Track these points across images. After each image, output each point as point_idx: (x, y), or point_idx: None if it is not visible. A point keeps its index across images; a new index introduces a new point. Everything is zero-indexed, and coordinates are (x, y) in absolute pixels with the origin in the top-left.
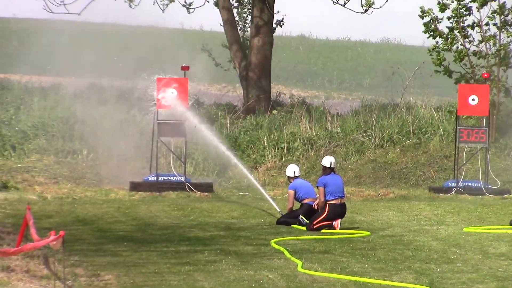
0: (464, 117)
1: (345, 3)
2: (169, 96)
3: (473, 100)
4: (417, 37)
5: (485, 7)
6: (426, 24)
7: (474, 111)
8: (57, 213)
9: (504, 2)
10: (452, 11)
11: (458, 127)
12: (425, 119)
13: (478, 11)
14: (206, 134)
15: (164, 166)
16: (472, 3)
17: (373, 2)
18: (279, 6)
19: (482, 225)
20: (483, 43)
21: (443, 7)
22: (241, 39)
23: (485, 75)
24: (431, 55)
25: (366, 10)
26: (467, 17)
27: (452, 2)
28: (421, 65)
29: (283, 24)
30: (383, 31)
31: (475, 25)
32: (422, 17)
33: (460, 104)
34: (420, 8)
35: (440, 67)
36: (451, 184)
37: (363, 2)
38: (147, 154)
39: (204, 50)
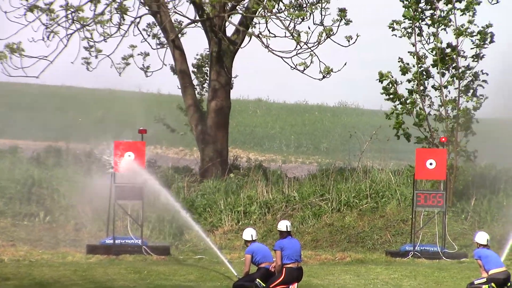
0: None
1: (304, 69)
2: (127, 159)
3: (430, 164)
4: (375, 101)
5: (446, 71)
6: (385, 88)
7: (432, 175)
8: (14, 275)
9: (465, 66)
10: (413, 75)
11: (415, 191)
12: (382, 183)
13: (438, 74)
14: (165, 197)
15: (121, 229)
16: (433, 67)
17: (332, 69)
18: (236, 70)
19: None
20: (442, 107)
21: (404, 70)
22: (199, 102)
23: (443, 139)
24: (389, 119)
25: (324, 77)
26: (428, 80)
27: (413, 66)
28: (378, 129)
29: (232, 87)
30: (340, 94)
31: (435, 88)
32: (381, 81)
33: (417, 168)
34: (379, 72)
35: (399, 131)
36: (408, 248)
37: (322, 69)
38: (104, 217)
39: (159, 120)
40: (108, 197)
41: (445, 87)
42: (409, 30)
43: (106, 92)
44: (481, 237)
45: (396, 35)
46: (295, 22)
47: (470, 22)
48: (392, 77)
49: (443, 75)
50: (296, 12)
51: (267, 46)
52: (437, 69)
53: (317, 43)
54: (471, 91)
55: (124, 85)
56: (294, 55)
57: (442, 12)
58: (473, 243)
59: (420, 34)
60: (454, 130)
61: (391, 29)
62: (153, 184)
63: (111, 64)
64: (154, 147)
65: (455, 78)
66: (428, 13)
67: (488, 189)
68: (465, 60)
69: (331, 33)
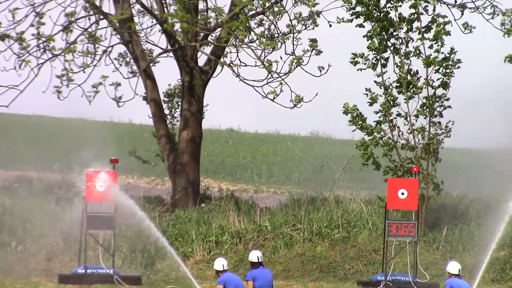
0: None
1: (274, 98)
2: (98, 189)
3: (402, 194)
4: (346, 131)
5: (413, 99)
6: (352, 120)
7: (404, 205)
8: None
9: (433, 93)
10: (381, 105)
11: (387, 221)
12: (354, 213)
13: (406, 102)
14: (143, 224)
15: (93, 258)
16: (400, 94)
17: (302, 98)
18: (208, 99)
19: None
20: (411, 136)
21: (371, 101)
22: (170, 132)
23: (415, 168)
24: (359, 149)
25: (295, 105)
26: (395, 109)
27: (381, 95)
28: (350, 158)
29: (203, 116)
30: (312, 124)
31: (403, 117)
32: (346, 113)
33: (389, 198)
34: (344, 105)
35: (367, 161)
36: (379, 277)
37: (293, 98)
38: (75, 246)
39: (131, 153)
40: (79, 227)
41: (416, 116)
42: (374, 62)
43: (78, 121)
44: (453, 266)
45: (361, 69)
46: (266, 52)
47: (437, 51)
48: (358, 110)
49: (410, 98)
50: (268, 41)
51: (238, 75)
52: (404, 97)
53: (288, 72)
54: (439, 118)
55: (96, 114)
56: (264, 84)
57: (403, 40)
58: (444, 272)
59: (384, 65)
60: (424, 159)
61: (353, 63)
62: (131, 206)
63: (82, 94)
64: (125, 176)
65: (424, 107)
66: (392, 42)
67: (459, 219)
68: (433, 89)
69: (301, 61)
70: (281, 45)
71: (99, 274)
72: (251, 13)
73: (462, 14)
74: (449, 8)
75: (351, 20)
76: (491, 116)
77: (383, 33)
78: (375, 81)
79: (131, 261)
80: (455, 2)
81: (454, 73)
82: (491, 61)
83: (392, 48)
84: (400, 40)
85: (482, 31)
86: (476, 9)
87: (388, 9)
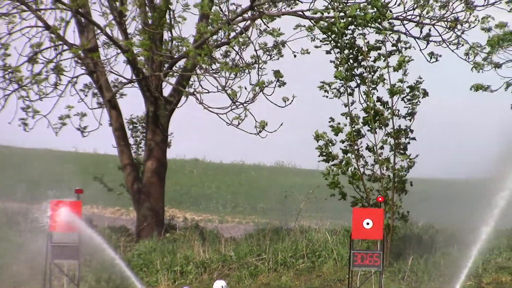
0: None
1: (238, 124)
2: (63, 219)
3: (367, 224)
4: (311, 161)
5: (379, 130)
6: (319, 148)
7: (369, 235)
8: None
9: (399, 126)
10: (346, 135)
11: (352, 251)
12: (319, 243)
13: (372, 133)
14: (108, 254)
15: None
16: (366, 125)
17: (267, 123)
18: (173, 128)
19: None
20: (377, 166)
21: (337, 130)
22: (135, 162)
23: (380, 199)
24: (326, 178)
25: (260, 131)
26: (362, 139)
27: (346, 125)
28: (315, 188)
29: (170, 145)
30: (277, 155)
31: (369, 149)
32: (317, 140)
33: (354, 227)
34: (315, 132)
35: (334, 189)
36: None
37: (257, 124)
38: (40, 276)
39: (96, 178)
40: (44, 256)
41: (381, 148)
42: (341, 90)
43: (43, 151)
44: None
45: (327, 96)
46: (230, 79)
47: (401, 81)
48: (328, 137)
49: (375, 129)
50: (231, 67)
51: (201, 102)
52: (369, 127)
53: (252, 99)
54: (403, 149)
55: (61, 145)
56: (229, 111)
57: (371, 69)
58: None
59: (351, 94)
60: (389, 189)
61: (323, 90)
62: (95, 237)
63: (48, 124)
64: (90, 206)
65: (389, 137)
66: (359, 71)
67: (425, 249)
68: (399, 118)
69: (264, 86)
70: (246, 75)
71: None
72: (216, 44)
73: (428, 44)
74: (415, 40)
75: (320, 46)
76: (457, 146)
77: (350, 61)
78: (341, 114)
79: None
80: (420, 33)
81: (420, 102)
82: (458, 91)
83: (359, 77)
84: (368, 69)
85: (448, 61)
86: (442, 42)
87: (356, 37)
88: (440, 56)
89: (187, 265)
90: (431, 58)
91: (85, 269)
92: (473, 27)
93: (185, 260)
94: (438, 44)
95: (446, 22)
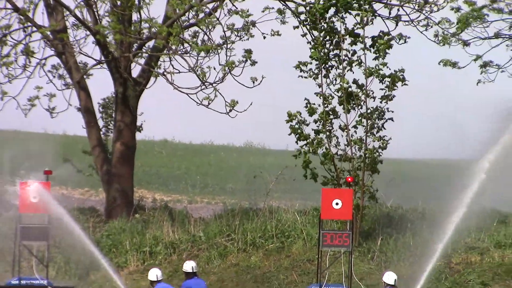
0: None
1: (208, 104)
2: (32, 200)
3: (336, 204)
4: (280, 142)
5: (352, 111)
6: (292, 127)
7: (338, 215)
8: None
9: (372, 107)
10: (319, 115)
11: (321, 231)
12: (288, 223)
13: (345, 113)
14: (75, 234)
15: (27, 270)
16: (340, 106)
17: (237, 102)
18: (142, 110)
19: None
20: (348, 147)
21: (311, 111)
22: (104, 143)
23: (349, 179)
24: (297, 158)
25: (231, 111)
26: (335, 120)
27: (319, 106)
28: (284, 169)
29: (141, 129)
30: (246, 135)
31: (342, 128)
32: (290, 121)
33: (323, 208)
34: (288, 112)
35: (306, 171)
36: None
37: (228, 103)
38: (9, 258)
39: (66, 160)
40: (13, 238)
41: (355, 127)
42: (316, 71)
43: (12, 133)
44: (389, 277)
45: (302, 76)
46: (199, 60)
47: (383, 64)
48: (301, 116)
49: (348, 111)
50: (201, 46)
51: (171, 83)
52: (343, 108)
53: (221, 79)
54: (377, 131)
55: (30, 126)
56: (198, 91)
57: (348, 52)
58: (380, 282)
59: (326, 75)
60: (360, 169)
61: (299, 69)
62: (65, 217)
63: (17, 106)
64: (59, 187)
65: (362, 118)
66: (334, 53)
67: (394, 229)
68: (374, 100)
69: (234, 66)
70: (215, 55)
71: (33, 285)
72: (184, 24)
73: (397, 25)
74: (383, 20)
75: (297, 27)
76: (429, 128)
77: (327, 43)
78: (315, 93)
79: (65, 272)
80: (389, 14)
81: (397, 87)
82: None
83: (334, 58)
84: (344, 52)
85: (417, 42)
86: (410, 22)
87: (335, 21)
88: (409, 37)
89: (156, 246)
90: (399, 39)
91: (54, 251)
92: (441, 9)
93: (154, 241)
94: (407, 24)
95: (414, 3)
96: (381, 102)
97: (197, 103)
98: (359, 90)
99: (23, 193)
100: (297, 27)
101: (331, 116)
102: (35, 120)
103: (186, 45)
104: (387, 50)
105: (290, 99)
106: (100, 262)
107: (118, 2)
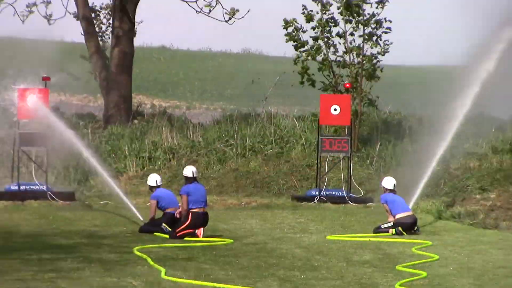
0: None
1: (210, 11)
2: (30, 106)
3: (335, 110)
4: (278, 48)
5: (350, 18)
6: (289, 35)
7: (336, 120)
8: None
9: (370, 14)
10: (317, 22)
11: (320, 137)
12: (287, 129)
13: (343, 20)
14: (71, 140)
15: (26, 175)
16: (339, 15)
17: (238, 10)
18: (140, 16)
19: (345, 233)
20: (346, 54)
21: (308, 17)
22: (102, 49)
23: (347, 85)
24: (295, 64)
25: (230, 18)
26: (333, 27)
27: (317, 13)
28: (282, 75)
29: (135, 34)
30: (244, 42)
31: (340, 35)
32: (286, 28)
33: (322, 113)
34: (284, 19)
35: (304, 77)
36: (314, 193)
37: (227, 11)
38: (8, 163)
39: (63, 70)
40: (12, 144)
41: (351, 34)
42: None
43: (9, 40)
44: (388, 182)
45: None
46: None
47: None
48: (298, 23)
49: (348, 22)
50: None
51: None
52: (341, 16)
53: None
54: (375, 37)
55: (28, 33)
56: None
57: None
58: (379, 188)
59: None
60: (358, 76)
61: None
62: (58, 126)
63: (14, 12)
64: (57, 94)
65: (360, 24)
66: None
67: (393, 134)
68: (371, 6)
69: None
70: None
71: (33, 191)
72: None
73: None
74: None
75: None
76: (430, 34)
77: None
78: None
79: (65, 177)
80: None
81: None
82: None
83: None
84: None
85: None
86: None
87: None
88: None
89: (155, 151)
90: None
91: (53, 156)
92: None
93: (153, 146)
94: None
95: None
96: (377, 8)
97: (197, 11)
98: None
99: (21, 100)
100: None
101: (330, 24)
102: (32, 28)
103: None
104: None
105: (287, 6)
106: (98, 170)
107: None
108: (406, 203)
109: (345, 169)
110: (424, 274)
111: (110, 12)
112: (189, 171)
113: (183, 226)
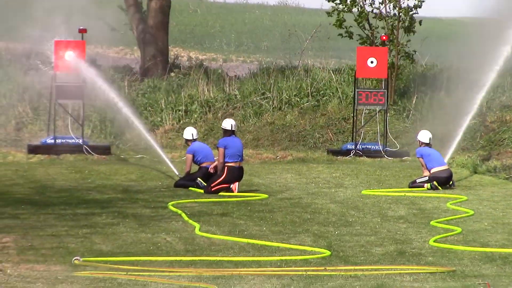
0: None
1: None
2: (67, 59)
3: (371, 62)
4: (315, 0)
5: None
6: None
7: (373, 73)
8: None
9: None
10: None
11: (356, 90)
12: (323, 82)
13: None
14: (107, 95)
15: (62, 128)
16: None
17: None
18: None
19: (380, 188)
20: (383, 5)
21: None
22: (139, 2)
23: (384, 37)
24: (331, 16)
25: None
26: None
27: None
28: (319, 27)
29: None
30: None
31: None
32: None
33: (358, 66)
34: None
35: (340, 29)
36: (349, 146)
37: None
38: (44, 116)
39: (100, 19)
40: (48, 97)
41: None
42: None
43: None
44: (424, 135)
45: None
46: None
47: None
48: None
49: None
50: None
51: None
52: None
53: None
54: None
55: None
56: None
57: None
58: (415, 141)
59: None
60: (395, 28)
61: None
62: (96, 81)
63: None
64: (94, 46)
65: None
66: None
67: (429, 87)
68: None
69: None
70: None
71: (68, 144)
72: None
73: None
74: None
75: None
76: None
77: None
78: None
79: (101, 131)
80: None
81: None
82: None
83: None
84: None
85: None
86: None
87: None
88: None
89: (191, 104)
90: None
91: (89, 109)
92: None
93: (190, 99)
94: None
95: None
96: None
97: None
98: None
99: (58, 52)
100: None
101: None
102: None
103: None
104: None
105: None
106: (134, 123)
107: None
108: (441, 157)
109: (381, 123)
110: (459, 230)
111: None
112: (228, 123)
113: (218, 181)
